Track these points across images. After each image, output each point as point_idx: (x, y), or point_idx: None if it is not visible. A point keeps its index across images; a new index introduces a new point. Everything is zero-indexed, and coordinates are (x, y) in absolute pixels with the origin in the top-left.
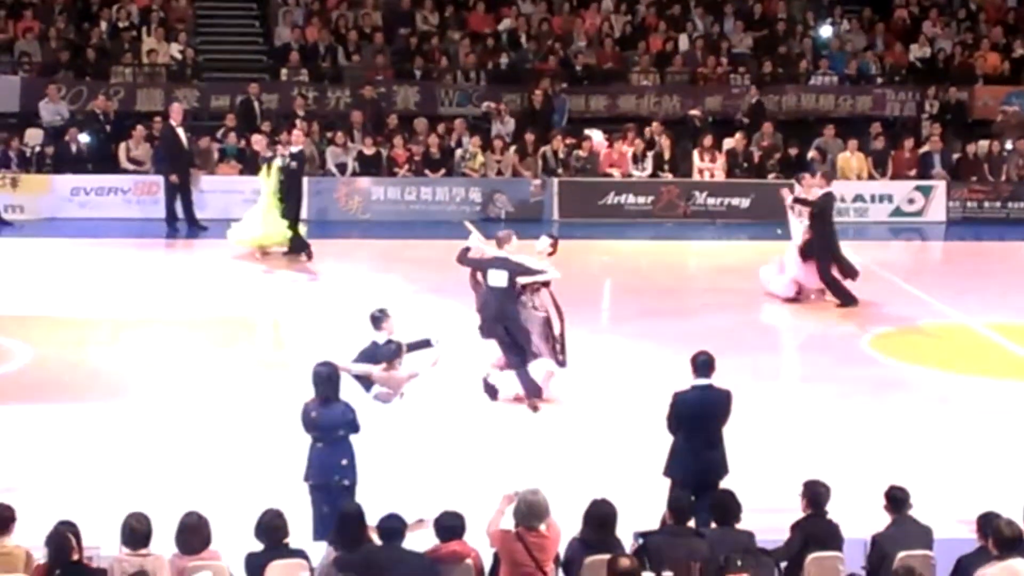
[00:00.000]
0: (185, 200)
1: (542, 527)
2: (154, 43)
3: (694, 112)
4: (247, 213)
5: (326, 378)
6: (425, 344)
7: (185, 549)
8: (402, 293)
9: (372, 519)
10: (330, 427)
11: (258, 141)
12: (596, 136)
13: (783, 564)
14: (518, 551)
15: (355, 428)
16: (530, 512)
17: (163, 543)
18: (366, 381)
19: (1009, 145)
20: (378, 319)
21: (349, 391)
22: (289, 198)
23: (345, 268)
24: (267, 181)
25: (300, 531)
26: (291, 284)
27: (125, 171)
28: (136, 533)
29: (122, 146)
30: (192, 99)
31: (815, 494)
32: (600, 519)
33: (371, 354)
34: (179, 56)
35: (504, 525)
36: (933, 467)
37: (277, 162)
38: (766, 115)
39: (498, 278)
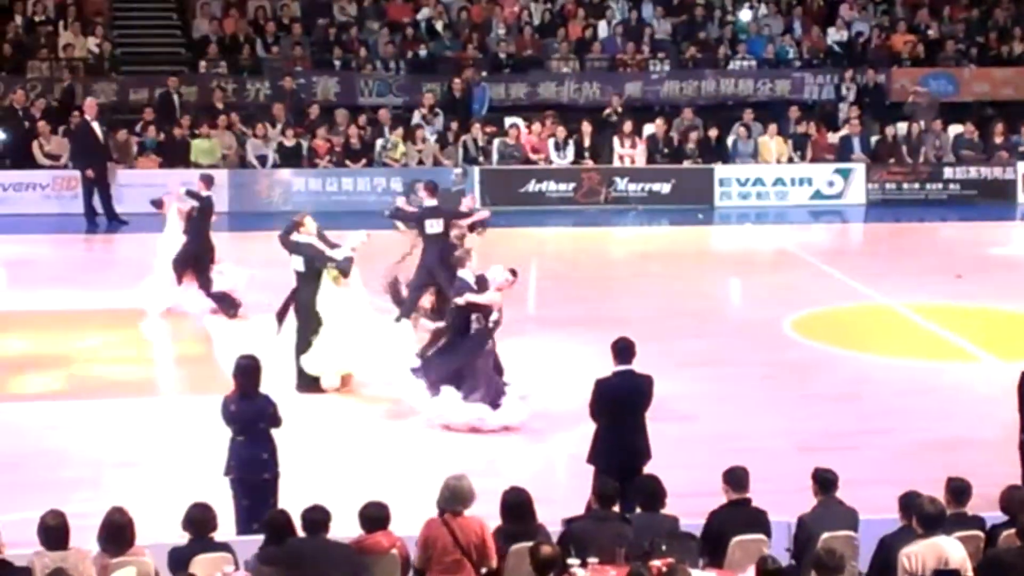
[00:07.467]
0: (103, 195)
1: (467, 512)
2: (71, 37)
3: (607, 111)
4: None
5: (246, 371)
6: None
7: (109, 547)
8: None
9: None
10: (250, 421)
11: None
12: (521, 125)
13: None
14: (443, 536)
15: (276, 422)
16: (453, 497)
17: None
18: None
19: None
20: (461, 259)
21: None
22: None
23: (268, 260)
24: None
25: (229, 525)
26: (215, 276)
27: (42, 167)
28: (52, 529)
29: (34, 142)
30: (110, 93)
31: (735, 477)
32: (515, 508)
33: (469, 286)
34: (96, 50)
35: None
36: (856, 448)
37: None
38: None
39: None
